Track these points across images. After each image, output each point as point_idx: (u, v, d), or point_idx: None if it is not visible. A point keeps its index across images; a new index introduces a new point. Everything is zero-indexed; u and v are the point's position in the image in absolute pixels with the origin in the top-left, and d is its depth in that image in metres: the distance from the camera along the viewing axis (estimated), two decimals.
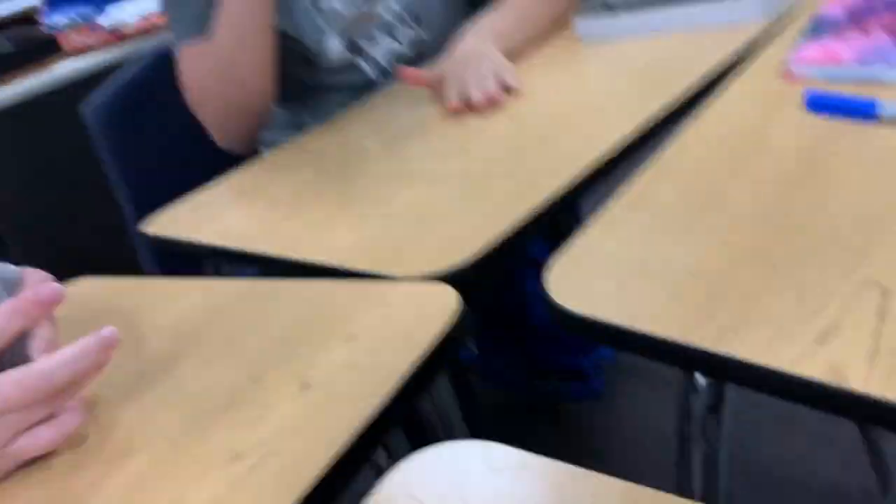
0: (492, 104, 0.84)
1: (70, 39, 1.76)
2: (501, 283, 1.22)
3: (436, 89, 0.92)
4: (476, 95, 0.84)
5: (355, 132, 0.92)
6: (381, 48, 1.10)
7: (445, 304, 0.49)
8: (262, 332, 0.53)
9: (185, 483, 0.40)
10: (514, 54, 0.96)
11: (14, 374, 0.42)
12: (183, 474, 0.41)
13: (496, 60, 0.90)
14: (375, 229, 0.64)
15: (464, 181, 0.69)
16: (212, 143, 1.21)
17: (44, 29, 1.68)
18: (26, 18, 1.65)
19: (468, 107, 0.85)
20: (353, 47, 1.07)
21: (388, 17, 1.08)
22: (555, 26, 1.03)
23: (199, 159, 1.21)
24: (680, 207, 0.53)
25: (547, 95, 0.84)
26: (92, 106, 1.19)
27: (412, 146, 0.82)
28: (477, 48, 0.94)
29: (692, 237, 0.49)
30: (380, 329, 0.49)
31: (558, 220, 1.29)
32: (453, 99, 0.86)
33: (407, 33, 1.10)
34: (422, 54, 1.10)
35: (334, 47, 1.06)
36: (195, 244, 0.74)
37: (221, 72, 0.96)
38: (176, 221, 0.80)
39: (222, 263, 0.83)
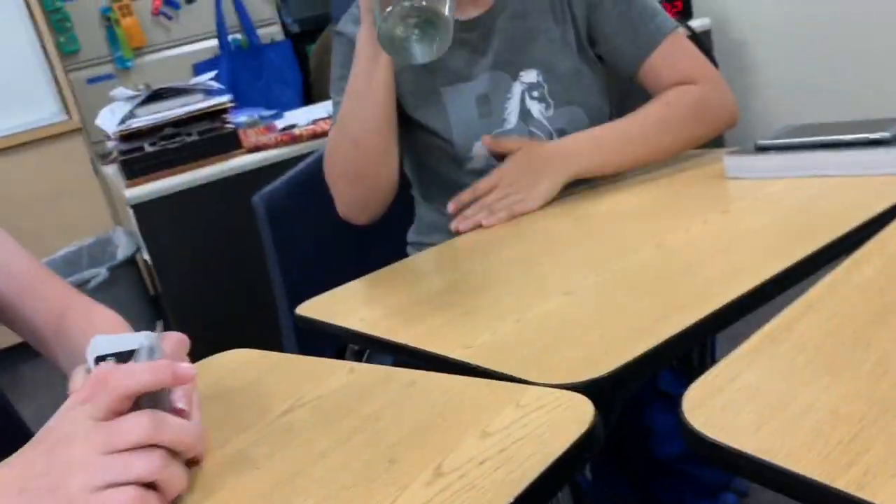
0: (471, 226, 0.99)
1: (249, 137, 1.95)
2: (627, 411, 1.20)
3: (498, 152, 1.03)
4: (476, 216, 0.98)
5: (498, 239, 0.96)
6: None
7: (581, 415, 0.50)
8: (399, 417, 0.56)
9: None
10: (607, 170, 1.05)
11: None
12: None
13: (531, 193, 1.01)
14: (511, 334, 0.67)
15: (600, 297, 0.71)
16: (363, 240, 1.30)
17: (228, 126, 1.87)
18: (214, 114, 1.85)
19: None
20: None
21: (539, 133, 1.13)
22: (673, 156, 1.08)
23: (352, 254, 1.29)
24: (825, 345, 0.52)
25: (692, 227, 0.85)
26: (262, 196, 1.31)
27: (552, 257, 0.85)
28: (545, 162, 1.03)
29: (836, 377, 0.48)
30: (513, 430, 0.51)
31: (691, 353, 1.27)
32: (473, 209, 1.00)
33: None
34: None
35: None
36: (342, 329, 0.79)
37: (342, 133, 1.05)
38: (327, 307, 0.86)
39: (364, 350, 0.87)
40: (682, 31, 1.13)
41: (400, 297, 0.86)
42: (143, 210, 1.76)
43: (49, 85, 3.00)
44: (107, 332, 0.74)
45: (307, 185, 1.38)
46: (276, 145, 1.89)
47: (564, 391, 0.54)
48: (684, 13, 2.74)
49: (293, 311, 1.13)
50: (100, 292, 2.34)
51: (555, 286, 0.76)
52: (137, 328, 0.64)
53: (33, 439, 0.51)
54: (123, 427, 0.48)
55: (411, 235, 1.34)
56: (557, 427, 0.50)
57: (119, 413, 0.50)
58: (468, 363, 0.63)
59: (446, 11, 0.84)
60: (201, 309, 1.82)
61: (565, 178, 1.04)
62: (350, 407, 0.60)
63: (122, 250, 2.58)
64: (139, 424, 0.49)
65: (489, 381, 0.58)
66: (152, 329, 0.60)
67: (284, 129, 2.00)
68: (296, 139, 1.90)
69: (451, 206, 1.07)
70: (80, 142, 2.97)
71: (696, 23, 2.70)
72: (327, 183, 1.12)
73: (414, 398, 0.59)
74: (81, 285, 2.31)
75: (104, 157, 2.22)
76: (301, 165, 1.40)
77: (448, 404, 0.56)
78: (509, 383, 0.57)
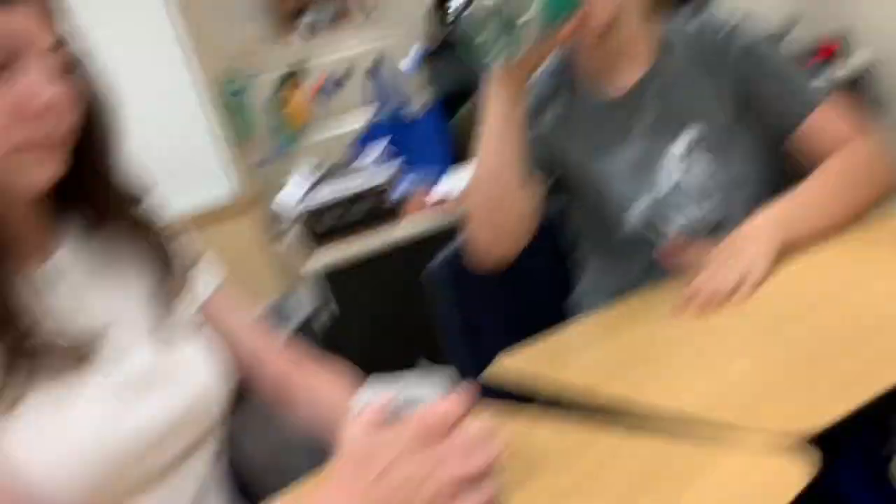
0: (714, 303, 0.90)
1: (416, 203, 2.05)
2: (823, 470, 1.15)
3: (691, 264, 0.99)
4: (707, 293, 0.91)
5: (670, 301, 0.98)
6: (675, 224, 1.14)
7: (786, 482, 0.51)
8: (608, 476, 0.59)
9: None
10: (799, 243, 0.98)
11: None
12: None
13: (754, 259, 0.94)
14: (714, 392, 0.69)
15: (792, 354, 0.72)
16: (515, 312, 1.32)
17: (391, 200, 2.00)
18: (377, 192, 1.98)
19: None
20: (649, 225, 1.13)
21: (691, 196, 1.13)
22: (855, 216, 1.02)
23: (521, 321, 1.33)
24: None
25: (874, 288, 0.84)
26: (434, 264, 1.38)
27: (733, 318, 0.86)
28: (751, 235, 0.98)
29: None
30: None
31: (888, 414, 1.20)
32: (698, 286, 0.93)
33: (704, 208, 1.13)
34: (714, 232, 1.11)
35: (635, 219, 1.14)
36: (535, 390, 0.84)
37: (477, 169, 1.10)
38: (517, 365, 0.91)
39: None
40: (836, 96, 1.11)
41: (587, 358, 0.89)
42: (322, 280, 1.89)
43: (223, 164, 3.28)
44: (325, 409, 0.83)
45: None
46: (433, 217, 1.98)
47: (770, 457, 0.55)
48: (839, 53, 2.65)
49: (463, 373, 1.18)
50: None
51: (741, 348, 0.77)
52: None
53: (349, 459, 0.58)
54: (447, 449, 0.56)
55: (575, 297, 1.36)
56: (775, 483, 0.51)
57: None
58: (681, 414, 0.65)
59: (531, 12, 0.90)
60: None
61: (776, 243, 0.97)
62: (568, 462, 0.63)
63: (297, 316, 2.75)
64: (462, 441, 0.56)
65: (694, 444, 0.60)
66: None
67: (441, 197, 2.10)
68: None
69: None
70: (250, 220, 3.21)
71: (856, 58, 2.60)
72: (464, 229, 1.17)
73: (622, 461, 0.61)
74: None
75: (278, 234, 2.41)
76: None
77: (653, 469, 0.59)
78: (713, 448, 0.59)
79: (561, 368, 0.88)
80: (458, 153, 3.53)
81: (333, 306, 1.92)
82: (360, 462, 0.58)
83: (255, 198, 3.18)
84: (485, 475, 0.56)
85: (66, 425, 0.68)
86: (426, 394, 0.61)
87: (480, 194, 1.13)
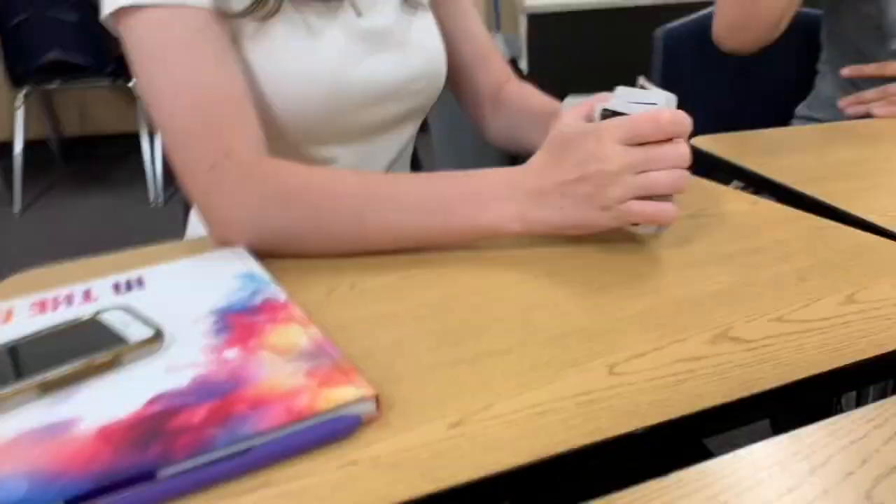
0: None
1: None
2: None
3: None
4: (871, 104, 0.91)
5: None
6: None
7: None
8: (810, 249, 0.60)
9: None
10: None
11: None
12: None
13: None
14: None
15: None
16: (748, 104, 1.29)
17: None
18: None
19: None
20: None
21: None
22: None
23: (732, 110, 1.29)
24: None
25: None
26: (664, 31, 1.34)
27: None
28: None
29: None
30: None
31: None
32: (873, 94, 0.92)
33: None
34: None
35: None
36: (742, 168, 0.83)
37: None
38: (719, 144, 0.90)
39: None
40: None
41: (804, 157, 0.87)
42: (537, 20, 1.86)
43: None
44: (537, 107, 0.85)
45: (709, 32, 1.38)
46: None
47: None
48: None
49: None
50: None
51: None
52: None
53: (552, 149, 0.60)
54: (654, 151, 0.57)
55: (801, 109, 1.30)
56: None
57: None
58: (884, 227, 0.64)
59: None
60: None
61: None
62: (756, 229, 0.65)
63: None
64: (668, 150, 0.56)
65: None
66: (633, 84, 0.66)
67: None
68: None
69: (848, 71, 1.00)
70: None
71: None
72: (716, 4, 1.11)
73: (824, 239, 0.62)
74: None
75: None
76: (708, 10, 1.38)
77: (861, 254, 0.59)
78: None
79: (767, 159, 0.86)
80: None
81: (546, 51, 1.90)
82: (561, 148, 0.59)
83: None
84: (675, 193, 0.57)
85: (309, 50, 0.74)
86: (650, 102, 0.60)
87: None
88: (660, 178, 0.56)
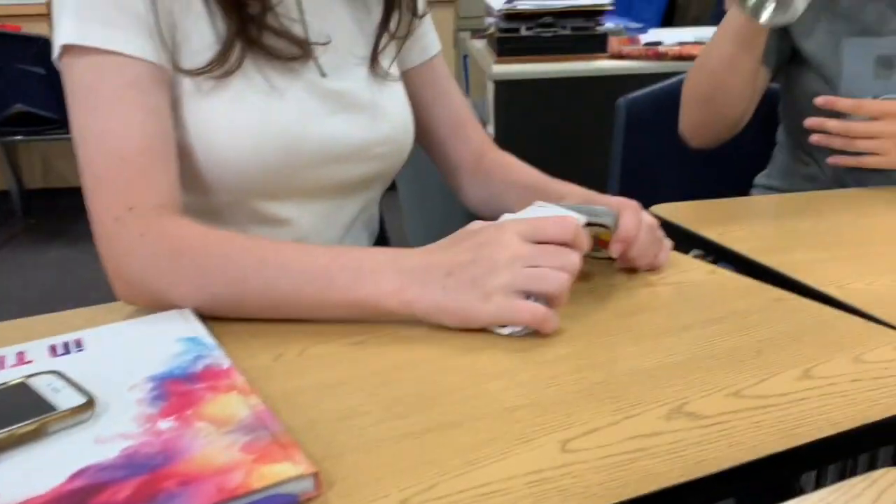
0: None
1: (613, 44, 1.99)
2: None
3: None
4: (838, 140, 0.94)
5: (868, 198, 0.93)
6: None
7: None
8: (767, 321, 0.60)
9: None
10: None
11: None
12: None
13: None
14: (891, 287, 0.67)
15: None
16: (708, 170, 1.31)
17: (600, 28, 1.93)
18: (590, 14, 1.91)
19: None
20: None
21: None
22: None
23: (694, 178, 1.31)
24: None
25: None
26: (626, 101, 1.36)
27: None
28: None
29: None
30: (892, 367, 0.52)
31: None
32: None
33: None
34: None
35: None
36: (701, 237, 0.83)
37: (701, 59, 1.09)
38: (681, 213, 0.90)
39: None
40: None
41: (763, 227, 0.87)
42: (504, 87, 1.89)
43: None
44: (520, 179, 0.85)
45: (671, 102, 1.41)
46: (640, 57, 1.92)
47: None
48: None
49: None
50: None
51: None
52: None
53: (453, 236, 0.61)
54: (548, 249, 0.57)
55: (761, 178, 1.32)
56: None
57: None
58: (841, 300, 0.64)
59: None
60: None
61: None
62: (714, 299, 0.65)
63: None
64: (563, 251, 0.57)
65: (864, 320, 0.60)
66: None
67: (648, 44, 2.01)
68: (660, 56, 1.90)
69: (811, 122, 1.02)
70: (450, 14, 3.20)
71: None
72: (682, 103, 1.14)
73: (782, 311, 0.62)
74: None
75: (474, 32, 2.39)
76: (671, 81, 1.41)
77: (818, 327, 0.59)
78: (888, 328, 0.58)
79: (727, 228, 0.86)
80: (671, 9, 3.34)
81: (511, 117, 1.92)
82: (461, 237, 0.60)
83: None
84: (556, 297, 0.57)
85: (268, 106, 0.73)
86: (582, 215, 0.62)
87: (702, 82, 1.09)
88: (546, 274, 0.56)
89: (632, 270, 0.70)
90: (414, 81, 0.91)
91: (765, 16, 0.96)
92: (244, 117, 0.72)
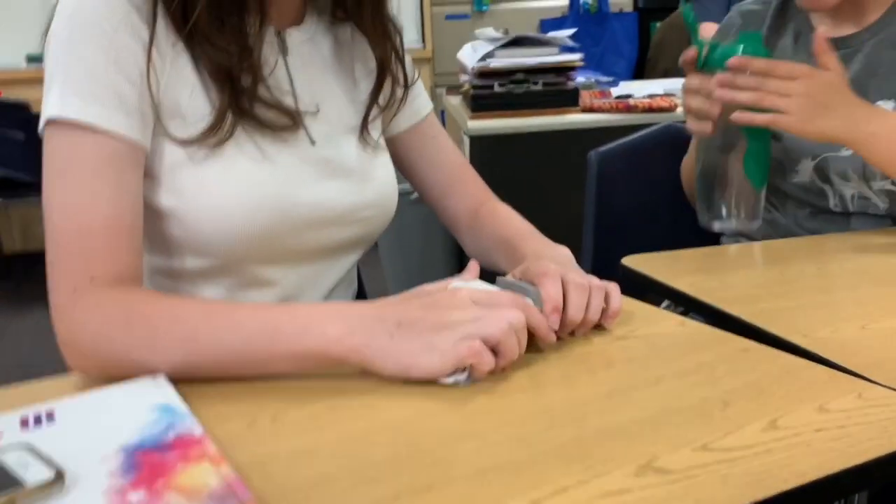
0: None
1: (585, 98, 2.03)
2: None
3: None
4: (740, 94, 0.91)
5: (834, 250, 0.95)
6: (850, 186, 1.08)
7: None
8: (734, 372, 0.61)
9: None
10: (872, 158, 0.95)
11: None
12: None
13: (808, 114, 0.91)
14: (855, 336, 0.68)
15: None
16: (678, 221, 1.33)
17: (571, 84, 1.98)
18: (561, 69, 1.96)
19: None
20: (823, 178, 1.08)
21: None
22: None
23: (668, 229, 1.33)
24: None
25: None
26: (597, 154, 1.39)
27: None
28: (843, 102, 0.93)
29: None
30: (854, 415, 0.53)
31: None
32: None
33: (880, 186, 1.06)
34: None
35: (809, 169, 1.09)
36: (669, 288, 0.85)
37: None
38: (652, 264, 0.92)
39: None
40: None
41: (732, 276, 0.89)
42: (479, 142, 1.92)
43: (415, 14, 3.32)
44: (507, 234, 0.87)
45: (642, 154, 1.44)
46: (611, 111, 1.96)
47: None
48: None
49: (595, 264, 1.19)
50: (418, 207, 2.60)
51: None
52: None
53: (408, 294, 0.63)
54: (497, 311, 0.60)
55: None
56: None
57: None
58: (807, 349, 0.65)
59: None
60: None
61: (839, 132, 0.93)
62: (684, 351, 0.66)
63: None
64: (510, 311, 0.60)
65: (829, 369, 0.61)
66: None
67: (619, 97, 2.06)
68: (630, 109, 1.95)
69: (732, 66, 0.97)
70: (427, 70, 3.27)
71: None
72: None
73: (749, 361, 0.63)
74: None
75: (450, 88, 2.44)
76: (641, 133, 1.45)
77: (784, 376, 0.60)
78: (851, 377, 0.59)
79: (696, 278, 0.88)
80: (640, 62, 3.44)
81: (489, 172, 1.95)
82: (415, 294, 0.63)
83: (434, 51, 3.22)
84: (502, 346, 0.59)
85: (258, 171, 0.74)
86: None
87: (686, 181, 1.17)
88: (489, 321, 0.58)
89: (598, 327, 0.70)
90: (407, 143, 0.93)
91: (717, 226, 1.03)
92: (235, 184, 0.73)
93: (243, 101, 0.73)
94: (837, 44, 1.08)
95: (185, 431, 0.52)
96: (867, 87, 1.06)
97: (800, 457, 0.48)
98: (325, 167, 0.80)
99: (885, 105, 1.05)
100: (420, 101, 0.94)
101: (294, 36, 0.81)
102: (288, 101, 0.78)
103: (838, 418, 0.53)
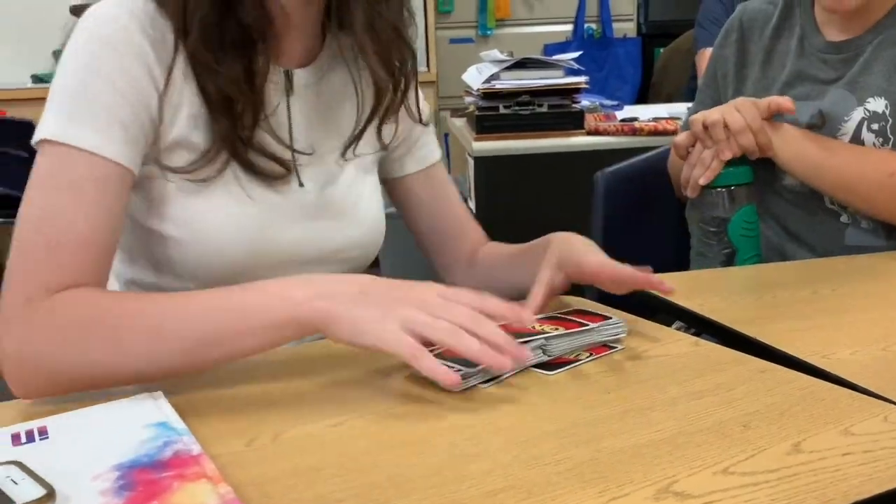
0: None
1: (590, 120, 2.02)
2: None
3: None
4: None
5: (856, 269, 0.93)
6: None
7: None
8: (753, 394, 0.59)
9: None
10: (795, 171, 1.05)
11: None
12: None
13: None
14: (875, 357, 0.66)
15: None
16: (686, 240, 1.31)
17: (576, 106, 1.97)
18: (566, 92, 1.96)
19: None
20: None
21: None
22: None
23: (673, 249, 1.32)
24: None
25: None
26: (604, 175, 1.38)
27: None
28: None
29: None
30: (882, 439, 0.51)
31: None
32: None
33: None
34: None
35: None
36: (682, 308, 0.83)
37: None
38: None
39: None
40: None
41: (743, 297, 0.87)
42: (484, 163, 1.91)
43: (419, 38, 3.33)
44: (510, 253, 0.87)
45: (649, 175, 1.42)
46: (616, 133, 1.95)
47: None
48: None
49: None
50: None
51: None
52: None
53: (377, 277, 0.62)
54: (457, 307, 0.59)
55: None
56: None
57: None
58: (827, 371, 0.63)
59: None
60: None
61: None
62: (699, 372, 0.63)
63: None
64: (472, 314, 0.59)
65: (851, 391, 0.59)
66: None
67: (624, 120, 2.05)
68: (636, 131, 1.94)
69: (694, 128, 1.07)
70: (431, 93, 3.27)
71: None
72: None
73: (767, 383, 0.61)
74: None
75: (455, 111, 2.43)
76: (647, 155, 1.44)
77: (806, 398, 0.58)
78: (876, 399, 0.57)
79: (707, 299, 0.86)
80: (644, 87, 3.44)
81: (491, 193, 1.94)
82: (384, 280, 0.62)
83: (439, 74, 3.23)
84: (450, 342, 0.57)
85: (242, 209, 0.74)
86: None
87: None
88: (438, 324, 0.57)
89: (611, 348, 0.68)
90: (412, 188, 0.92)
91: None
92: (218, 222, 0.73)
93: (238, 145, 0.72)
94: (843, 47, 1.08)
95: (183, 449, 0.50)
96: (863, 84, 1.06)
97: (826, 482, 0.46)
98: (312, 208, 0.79)
99: (876, 103, 1.05)
100: (430, 149, 0.93)
101: (301, 77, 0.79)
102: (283, 146, 0.77)
103: (865, 442, 0.51)
